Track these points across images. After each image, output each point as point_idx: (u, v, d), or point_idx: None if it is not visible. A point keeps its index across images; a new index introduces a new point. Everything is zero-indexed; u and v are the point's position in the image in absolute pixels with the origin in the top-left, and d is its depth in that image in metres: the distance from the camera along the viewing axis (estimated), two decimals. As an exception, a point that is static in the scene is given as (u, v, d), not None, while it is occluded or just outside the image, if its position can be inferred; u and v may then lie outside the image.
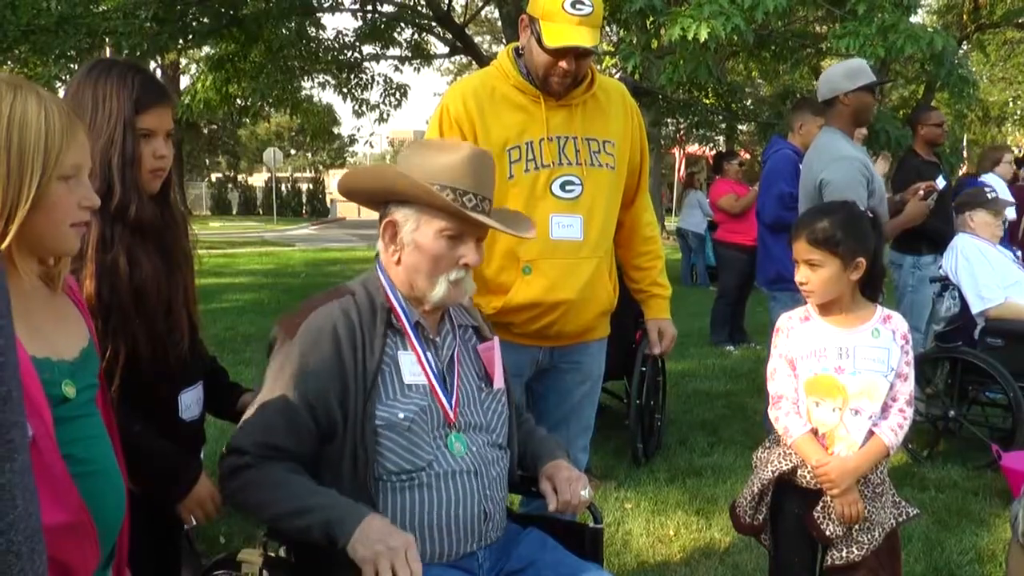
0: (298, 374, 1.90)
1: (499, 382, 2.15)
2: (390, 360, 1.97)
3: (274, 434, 1.89)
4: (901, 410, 2.54)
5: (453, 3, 14.94)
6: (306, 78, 14.32)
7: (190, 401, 2.14)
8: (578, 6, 2.50)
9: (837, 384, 2.51)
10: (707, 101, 15.59)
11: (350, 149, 39.51)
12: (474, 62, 15.22)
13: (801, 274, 2.56)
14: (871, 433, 2.50)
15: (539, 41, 2.54)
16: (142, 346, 1.97)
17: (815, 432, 2.53)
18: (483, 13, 18.45)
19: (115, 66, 2.01)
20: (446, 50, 14.94)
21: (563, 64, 2.54)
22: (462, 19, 14.66)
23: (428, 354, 2.02)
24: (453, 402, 2.01)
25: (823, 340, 2.55)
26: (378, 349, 1.94)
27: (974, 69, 24.49)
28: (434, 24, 13.70)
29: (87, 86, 1.96)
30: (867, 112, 4.33)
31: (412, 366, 1.98)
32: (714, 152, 13.82)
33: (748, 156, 26.38)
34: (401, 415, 1.93)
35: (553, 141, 2.66)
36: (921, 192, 4.71)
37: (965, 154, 25.76)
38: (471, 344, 2.17)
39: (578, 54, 2.54)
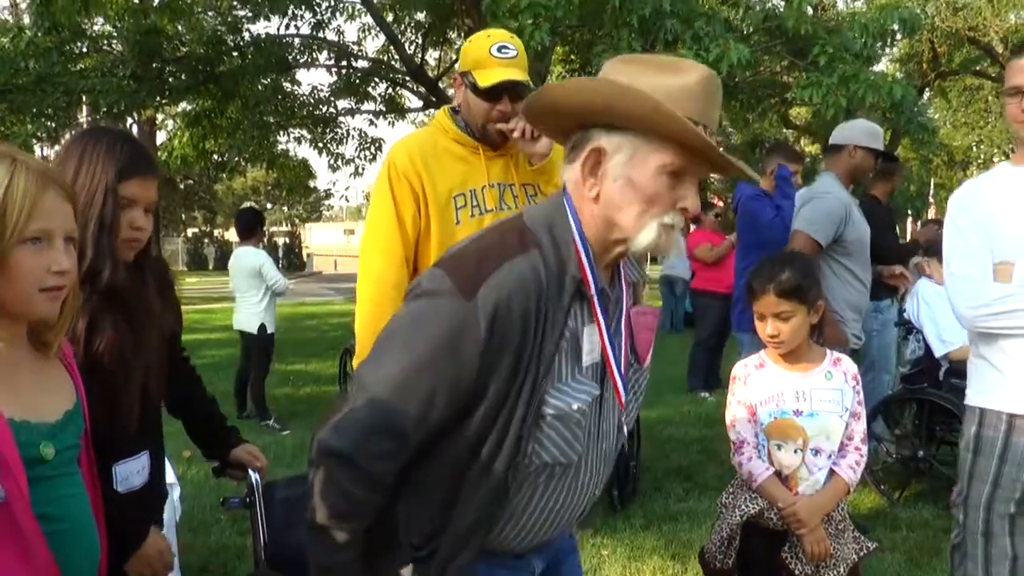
0: (472, 348, 1.52)
1: (648, 358, 1.83)
2: (570, 335, 1.62)
3: (431, 417, 1.56)
4: (857, 448, 2.65)
5: (426, 58, 15.19)
6: (282, 133, 14.47)
7: (128, 472, 2.09)
8: (504, 50, 2.67)
9: (796, 426, 2.60)
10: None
11: (326, 203, 39.66)
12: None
13: (771, 327, 2.63)
14: (832, 472, 2.61)
15: (475, 89, 2.68)
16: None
17: (779, 474, 2.62)
18: (456, 67, 18.76)
19: (107, 134, 2.03)
20: (420, 104, 15.15)
21: (500, 107, 2.67)
22: (435, 73, 14.89)
23: (609, 329, 1.67)
24: (622, 375, 1.71)
25: (780, 385, 2.65)
26: (559, 325, 1.58)
27: (937, 115, 25.08)
28: (407, 79, 13.91)
29: (76, 150, 1.98)
30: (865, 172, 4.58)
31: (591, 343, 1.65)
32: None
33: (721, 204, 26.74)
34: (575, 405, 1.61)
35: (494, 188, 2.79)
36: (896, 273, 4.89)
37: (932, 198, 26.28)
38: (629, 304, 1.80)
39: (512, 97, 2.67)
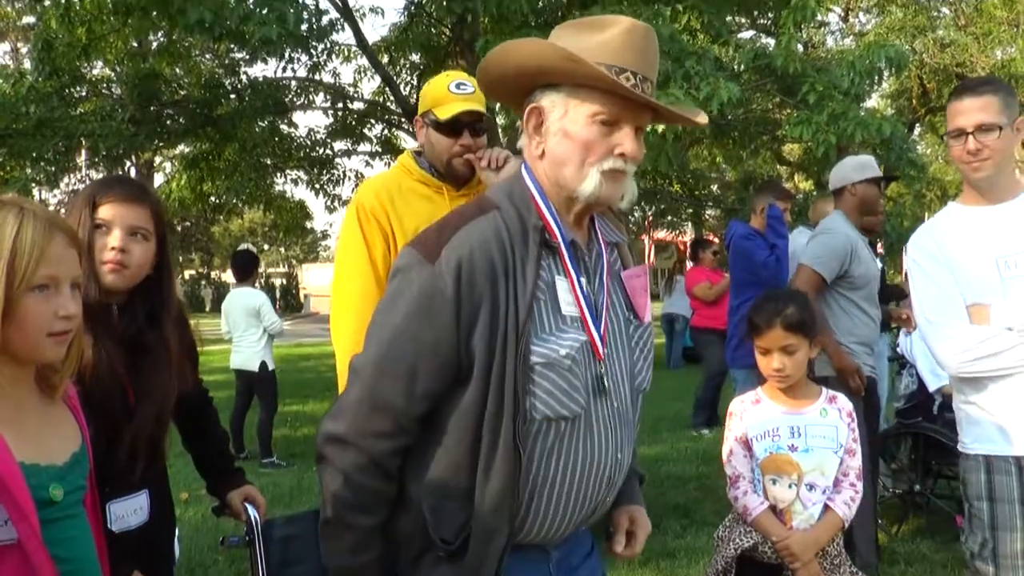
0: (443, 308, 1.60)
1: (647, 315, 1.89)
2: (545, 287, 1.68)
3: (418, 386, 1.61)
4: (852, 484, 2.69)
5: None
6: (279, 175, 14.54)
7: (123, 511, 2.11)
8: (462, 87, 2.76)
9: (791, 461, 2.65)
10: (673, 188, 15.98)
11: (323, 243, 39.75)
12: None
13: (777, 361, 2.68)
14: (826, 507, 2.64)
15: (436, 126, 2.75)
16: None
17: (773, 508, 2.65)
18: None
19: (108, 176, 2.15)
20: (415, 144, 15.27)
21: (462, 141, 2.74)
22: (431, 114, 15.00)
23: (582, 279, 1.73)
24: (601, 334, 1.74)
25: (775, 420, 2.70)
26: (531, 276, 1.64)
27: (929, 150, 25.30)
28: (403, 120, 14.02)
29: (80, 192, 2.17)
30: (873, 203, 4.65)
31: (566, 294, 1.70)
32: (690, 239, 14.24)
33: (717, 240, 26.83)
34: (563, 351, 1.65)
35: None
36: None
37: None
38: (616, 267, 1.87)
39: (473, 132, 2.74)
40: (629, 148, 1.66)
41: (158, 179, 20.96)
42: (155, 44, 13.10)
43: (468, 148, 2.76)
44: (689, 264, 10.23)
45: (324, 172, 14.97)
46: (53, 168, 12.24)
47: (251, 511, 2.52)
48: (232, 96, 12.43)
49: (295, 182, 15.10)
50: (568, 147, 1.67)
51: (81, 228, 2.04)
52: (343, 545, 1.64)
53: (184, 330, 2.34)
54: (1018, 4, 18.29)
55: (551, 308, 1.68)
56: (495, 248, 1.63)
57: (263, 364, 7.62)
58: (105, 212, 2.09)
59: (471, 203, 1.79)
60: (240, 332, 7.78)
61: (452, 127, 2.73)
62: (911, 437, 5.29)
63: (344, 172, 15.22)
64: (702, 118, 1.85)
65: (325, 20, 10.27)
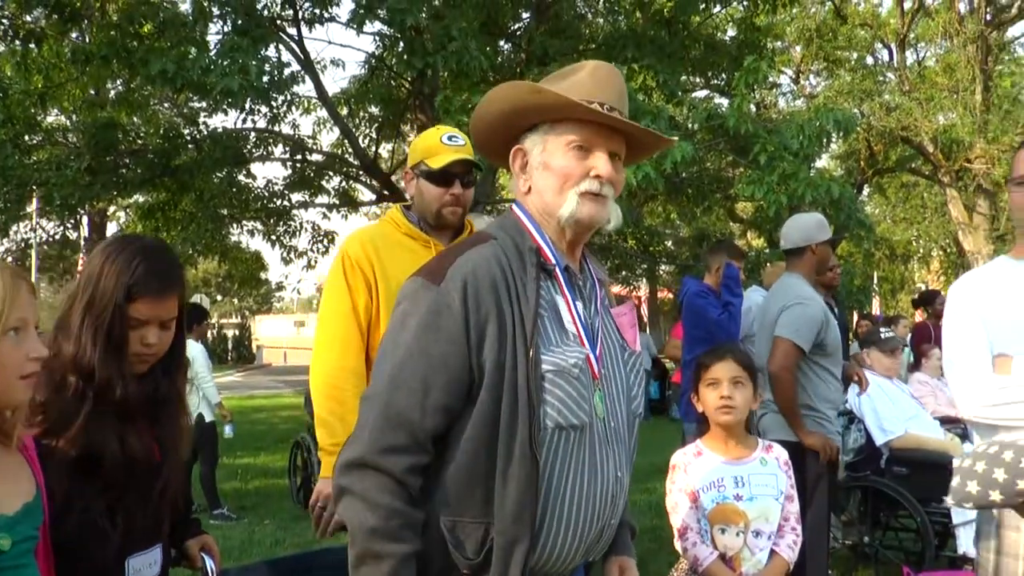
0: (452, 321, 1.66)
1: (637, 346, 1.97)
2: (547, 304, 1.76)
3: (430, 400, 1.64)
4: (793, 528, 2.80)
5: (379, 151, 15.46)
6: (235, 225, 14.49)
7: (140, 565, 2.11)
8: (453, 139, 2.84)
9: (738, 510, 2.71)
10: (628, 244, 16.21)
11: (277, 295, 39.50)
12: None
13: (727, 390, 2.78)
14: (773, 552, 2.72)
15: (428, 175, 2.80)
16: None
17: (723, 556, 2.71)
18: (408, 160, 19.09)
19: (128, 247, 2.03)
20: (373, 197, 15.34)
21: (452, 191, 2.79)
22: (388, 167, 15.14)
23: (577, 303, 1.82)
24: (597, 356, 1.81)
25: (719, 471, 2.78)
26: (532, 294, 1.71)
27: (877, 211, 25.96)
28: (361, 172, 14.11)
29: (99, 258, 2.01)
30: (826, 264, 4.63)
31: (566, 313, 1.79)
32: (645, 294, 14.37)
33: (671, 295, 27.14)
34: (571, 361, 1.72)
35: None
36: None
37: (876, 291, 26.99)
38: (606, 302, 1.96)
39: (463, 183, 2.81)
40: (603, 169, 1.76)
41: (111, 228, 20.71)
42: (113, 93, 13.08)
43: (457, 199, 2.82)
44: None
45: (281, 223, 14.96)
46: (3, 217, 12.08)
47: (208, 561, 2.50)
48: (191, 146, 12.43)
49: (251, 233, 15.07)
50: (549, 177, 1.79)
51: (112, 319, 1.95)
52: None
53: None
54: (957, 72, 19.03)
55: (555, 323, 1.76)
56: (496, 269, 1.71)
57: (200, 416, 7.54)
58: (141, 311, 1.99)
59: (466, 239, 1.89)
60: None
61: (443, 177, 2.79)
62: (860, 490, 5.38)
63: (301, 224, 15.24)
64: (672, 139, 1.98)
65: (287, 72, 10.37)
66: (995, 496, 1.07)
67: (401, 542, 1.61)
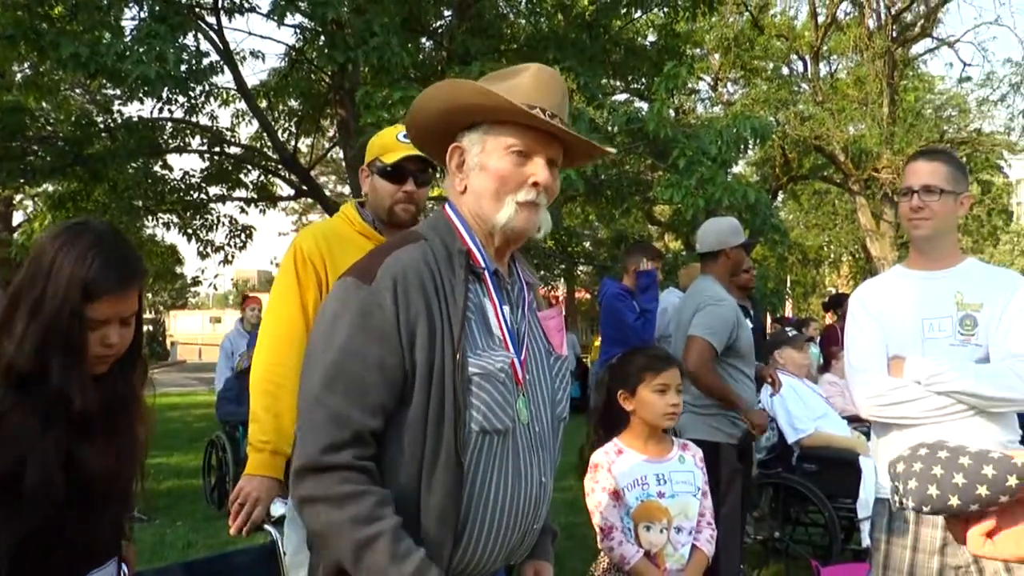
0: (384, 321, 1.65)
1: (564, 350, 1.98)
2: (474, 308, 1.76)
3: (369, 400, 1.63)
4: (709, 523, 2.92)
5: (299, 146, 15.26)
6: (150, 218, 14.12)
7: None
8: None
9: (661, 507, 2.79)
10: (547, 244, 16.32)
11: (192, 290, 38.54)
12: (319, 204, 15.51)
13: (675, 397, 2.91)
14: (694, 547, 2.80)
15: (382, 172, 2.79)
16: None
17: (647, 553, 2.77)
18: (328, 155, 18.85)
19: (83, 236, 1.82)
20: (292, 192, 15.12)
21: (406, 188, 2.79)
22: (307, 161, 14.95)
23: (504, 308, 1.82)
24: (521, 361, 1.81)
25: (641, 469, 2.85)
26: (460, 296, 1.71)
27: (791, 216, 26.69)
28: (280, 167, 13.91)
29: (48, 251, 1.80)
30: (740, 268, 4.76)
31: (492, 317, 1.79)
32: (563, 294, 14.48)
33: (588, 296, 27.40)
34: (497, 365, 1.72)
35: None
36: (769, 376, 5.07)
37: (789, 294, 27.76)
38: (534, 306, 1.95)
39: (417, 181, 2.81)
40: (542, 177, 1.77)
41: (18, 217, 19.92)
42: (20, 76, 12.58)
43: (410, 196, 2.81)
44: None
45: (197, 217, 14.63)
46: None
47: (122, 566, 2.44)
48: (104, 135, 12.06)
49: (167, 226, 14.69)
50: (486, 179, 1.78)
51: (69, 324, 1.75)
52: (381, 561, 1.56)
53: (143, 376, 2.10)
54: (867, 85, 19.72)
55: (482, 327, 1.76)
56: (425, 270, 1.71)
57: None
58: (101, 311, 1.80)
59: (395, 237, 1.86)
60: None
61: (396, 173, 2.78)
62: (772, 487, 5.54)
63: (218, 217, 14.93)
64: (610, 150, 1.99)
65: (205, 62, 10.15)
66: (953, 501, 1.11)
67: (383, 518, 1.59)
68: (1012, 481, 1.08)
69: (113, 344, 1.84)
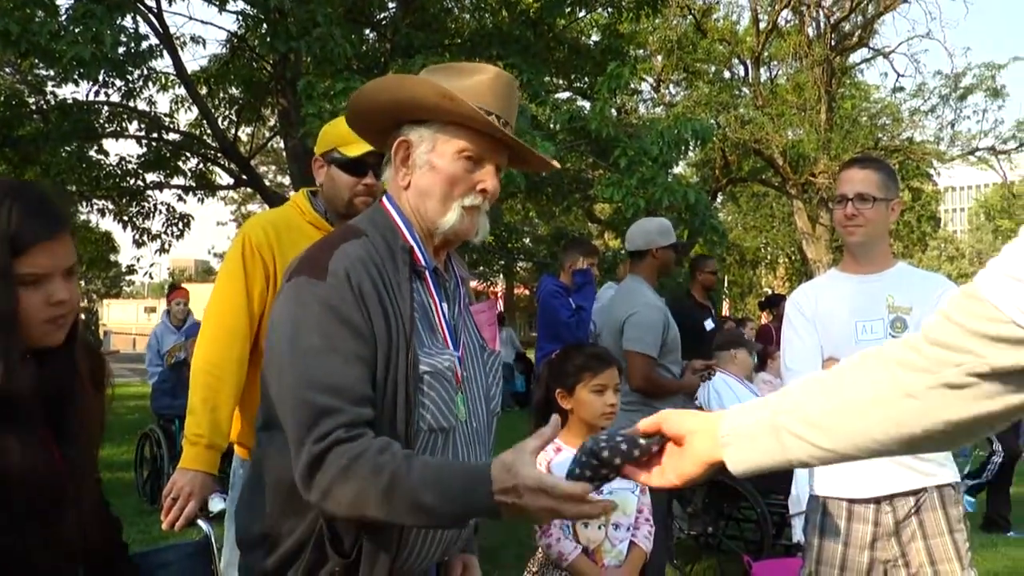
0: (350, 314, 1.61)
1: (496, 345, 1.99)
2: (418, 306, 1.74)
3: (357, 386, 1.59)
4: (647, 519, 2.95)
5: (239, 134, 15.02)
6: (84, 203, 13.77)
7: None
8: None
9: (598, 503, 2.80)
10: (487, 240, 16.33)
11: (127, 278, 37.72)
12: (258, 193, 15.30)
13: (612, 398, 2.92)
14: (632, 543, 2.84)
15: (341, 165, 2.73)
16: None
17: (585, 550, 2.80)
18: (269, 144, 18.59)
19: (19, 201, 1.54)
20: (231, 181, 14.87)
21: (366, 181, 2.73)
22: (247, 150, 14.74)
23: (443, 305, 1.82)
24: (459, 357, 1.80)
25: (577, 467, 2.86)
26: (407, 293, 1.70)
27: (729, 218, 27.11)
28: (219, 155, 13.68)
29: None
30: (670, 268, 4.83)
31: (433, 315, 1.78)
32: (502, 290, 14.50)
33: (527, 292, 27.47)
34: (445, 363, 1.72)
35: None
36: (699, 367, 5.14)
37: (726, 294, 28.22)
38: (467, 301, 1.96)
39: (376, 174, 2.73)
40: (491, 185, 1.76)
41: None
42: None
43: (370, 189, 2.74)
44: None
45: (133, 203, 14.32)
46: None
47: None
48: (36, 116, 11.72)
49: (101, 212, 14.35)
50: (433, 180, 1.75)
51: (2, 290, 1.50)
52: (409, 496, 1.49)
53: (95, 362, 1.82)
54: (805, 92, 20.13)
55: (426, 326, 1.75)
56: (372, 265, 1.68)
57: None
58: (36, 263, 1.54)
59: (333, 232, 1.82)
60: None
61: (357, 166, 2.71)
62: (705, 484, 5.63)
63: (155, 205, 14.63)
64: (555, 164, 1.97)
65: (144, 45, 9.93)
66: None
67: (386, 464, 1.52)
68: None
69: (63, 300, 1.59)
